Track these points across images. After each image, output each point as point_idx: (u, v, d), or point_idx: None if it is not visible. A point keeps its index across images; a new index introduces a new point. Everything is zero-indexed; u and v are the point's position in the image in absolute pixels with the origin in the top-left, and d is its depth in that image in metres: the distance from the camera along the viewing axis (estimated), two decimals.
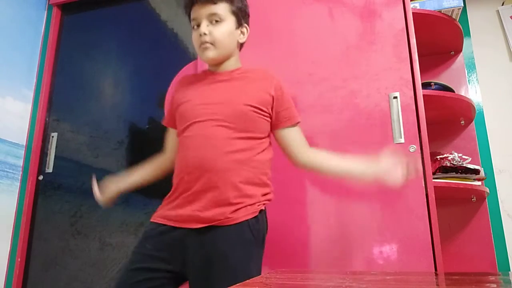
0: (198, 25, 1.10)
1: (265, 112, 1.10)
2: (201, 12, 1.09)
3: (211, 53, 1.10)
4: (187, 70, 1.79)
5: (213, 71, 1.16)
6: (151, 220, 1.10)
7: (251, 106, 1.07)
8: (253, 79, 1.14)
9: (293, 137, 1.14)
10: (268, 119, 1.12)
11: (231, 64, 1.16)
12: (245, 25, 1.17)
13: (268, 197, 1.09)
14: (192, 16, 1.12)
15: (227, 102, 1.08)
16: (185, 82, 1.20)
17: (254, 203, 1.04)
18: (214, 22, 1.09)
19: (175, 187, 1.08)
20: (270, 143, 1.14)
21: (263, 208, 1.07)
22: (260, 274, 1.00)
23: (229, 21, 1.11)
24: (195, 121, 1.07)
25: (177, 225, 1.03)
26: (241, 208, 1.01)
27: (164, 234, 1.04)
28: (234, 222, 1.00)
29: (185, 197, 1.04)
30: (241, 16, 1.14)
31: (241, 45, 1.19)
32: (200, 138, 1.05)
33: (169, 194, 1.10)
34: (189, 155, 1.06)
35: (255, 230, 1.02)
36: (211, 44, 1.09)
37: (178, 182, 1.07)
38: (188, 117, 1.09)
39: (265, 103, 1.10)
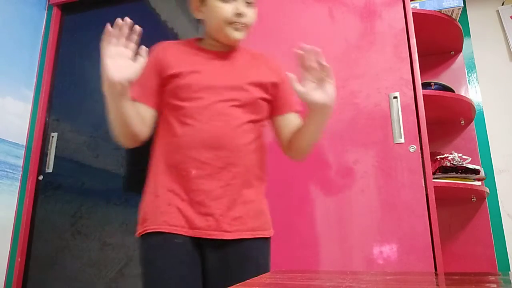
0: None
1: (269, 94, 1.05)
2: None
3: (241, 36, 1.02)
4: None
5: (209, 49, 1.06)
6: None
7: (259, 85, 1.03)
8: (257, 59, 1.10)
9: (297, 124, 1.06)
10: (268, 102, 1.06)
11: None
12: None
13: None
14: None
15: (239, 81, 1.02)
16: (177, 51, 1.07)
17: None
18: (249, 3, 1.02)
19: (182, 166, 0.96)
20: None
21: None
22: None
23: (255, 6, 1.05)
24: (208, 95, 0.98)
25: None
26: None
27: None
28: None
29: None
30: None
31: None
32: (215, 114, 0.97)
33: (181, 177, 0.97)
34: (201, 128, 0.96)
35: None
36: (244, 26, 1.01)
37: (184, 160, 0.96)
38: (197, 89, 0.98)
39: (271, 85, 1.05)
